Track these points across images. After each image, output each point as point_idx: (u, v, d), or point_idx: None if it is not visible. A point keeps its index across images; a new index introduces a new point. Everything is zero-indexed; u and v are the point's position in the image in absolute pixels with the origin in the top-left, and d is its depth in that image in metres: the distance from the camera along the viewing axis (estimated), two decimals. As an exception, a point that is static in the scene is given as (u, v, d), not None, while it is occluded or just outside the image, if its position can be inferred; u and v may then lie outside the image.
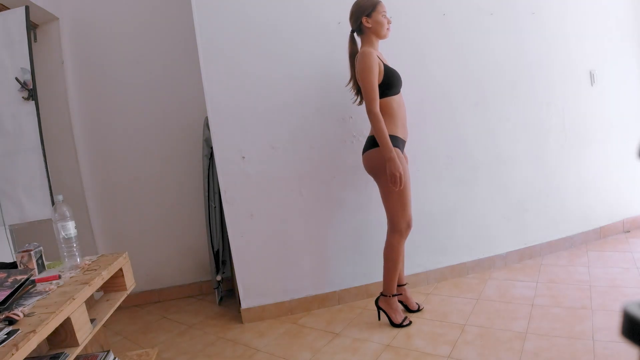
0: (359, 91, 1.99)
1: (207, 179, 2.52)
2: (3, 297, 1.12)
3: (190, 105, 2.70)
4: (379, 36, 1.90)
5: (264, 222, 2.27)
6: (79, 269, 1.45)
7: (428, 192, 2.37)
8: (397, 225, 1.92)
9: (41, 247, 1.47)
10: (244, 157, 2.22)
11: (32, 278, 1.31)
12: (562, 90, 2.56)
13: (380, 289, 2.03)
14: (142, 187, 2.75)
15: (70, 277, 1.37)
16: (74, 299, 1.17)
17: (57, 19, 2.57)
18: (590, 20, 2.59)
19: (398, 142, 1.87)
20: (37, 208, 1.86)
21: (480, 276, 2.43)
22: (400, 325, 1.97)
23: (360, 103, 2.04)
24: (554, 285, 2.18)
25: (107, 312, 1.42)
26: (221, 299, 2.63)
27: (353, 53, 1.96)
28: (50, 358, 1.13)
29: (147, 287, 2.81)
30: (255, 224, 2.26)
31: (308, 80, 2.25)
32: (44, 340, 1.09)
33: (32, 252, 1.40)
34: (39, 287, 1.28)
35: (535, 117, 2.52)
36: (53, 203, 1.83)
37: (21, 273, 1.26)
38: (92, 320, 1.30)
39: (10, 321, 1.02)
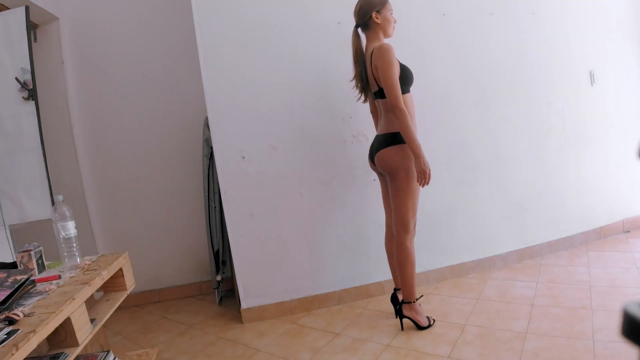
0: (363, 89, 1.95)
1: (207, 179, 2.52)
2: (3, 297, 1.12)
3: (190, 105, 2.70)
4: (386, 34, 1.87)
5: (264, 222, 2.27)
6: (79, 269, 1.45)
7: (428, 192, 2.36)
8: (407, 224, 1.88)
9: (41, 247, 1.47)
10: (244, 157, 2.22)
11: (32, 278, 1.31)
12: (563, 90, 2.56)
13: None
14: (142, 187, 2.75)
15: (70, 277, 1.37)
16: (74, 299, 1.16)
17: (57, 19, 2.57)
18: (590, 21, 2.59)
19: None
20: (37, 208, 1.86)
21: (480, 276, 2.43)
22: (428, 327, 1.93)
23: (365, 101, 2.02)
24: (554, 285, 2.18)
25: (107, 312, 1.42)
26: (221, 299, 2.63)
27: (359, 49, 1.90)
28: (50, 358, 1.13)
29: (147, 287, 2.81)
30: (255, 224, 2.26)
31: (308, 80, 2.25)
32: (44, 340, 1.09)
33: (32, 252, 1.40)
34: (39, 287, 1.28)
35: (536, 117, 2.52)
36: (53, 203, 1.83)
37: (21, 273, 1.26)
38: (92, 320, 1.29)
39: (10, 321, 1.02)
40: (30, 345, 0.95)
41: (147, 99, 2.71)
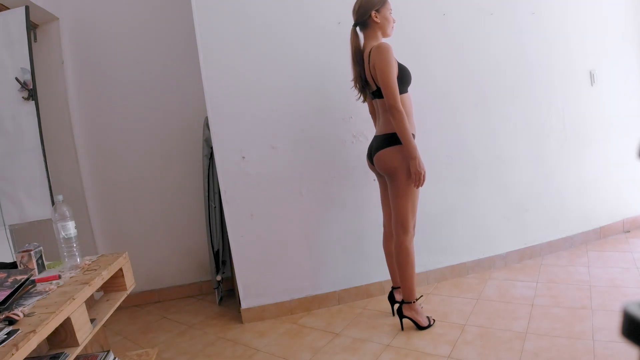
0: (362, 89, 1.94)
1: (207, 179, 2.52)
2: (3, 297, 1.12)
3: (190, 105, 2.70)
4: (385, 33, 1.86)
5: (264, 222, 2.27)
6: (79, 269, 1.45)
7: (428, 192, 2.37)
8: (407, 225, 1.87)
9: (41, 247, 1.47)
10: (244, 157, 2.23)
11: (32, 278, 1.31)
12: (563, 91, 2.56)
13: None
14: (142, 187, 2.75)
15: (70, 277, 1.37)
16: (74, 299, 1.16)
17: (57, 19, 2.57)
18: (590, 21, 2.59)
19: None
20: (37, 208, 1.86)
21: (480, 276, 2.43)
22: (428, 327, 1.93)
23: (365, 100, 2.02)
24: (554, 285, 2.18)
25: (107, 312, 1.42)
26: (221, 299, 2.63)
27: (357, 48, 1.89)
28: (50, 358, 1.13)
29: (147, 287, 2.81)
30: (255, 224, 2.26)
31: (308, 80, 2.25)
32: (44, 340, 1.09)
33: (32, 252, 1.40)
34: (39, 287, 1.28)
35: (536, 117, 2.52)
36: (53, 203, 1.83)
37: (21, 273, 1.26)
38: (92, 320, 1.29)
39: (10, 321, 1.02)
40: (30, 345, 0.95)
41: (147, 99, 2.71)
